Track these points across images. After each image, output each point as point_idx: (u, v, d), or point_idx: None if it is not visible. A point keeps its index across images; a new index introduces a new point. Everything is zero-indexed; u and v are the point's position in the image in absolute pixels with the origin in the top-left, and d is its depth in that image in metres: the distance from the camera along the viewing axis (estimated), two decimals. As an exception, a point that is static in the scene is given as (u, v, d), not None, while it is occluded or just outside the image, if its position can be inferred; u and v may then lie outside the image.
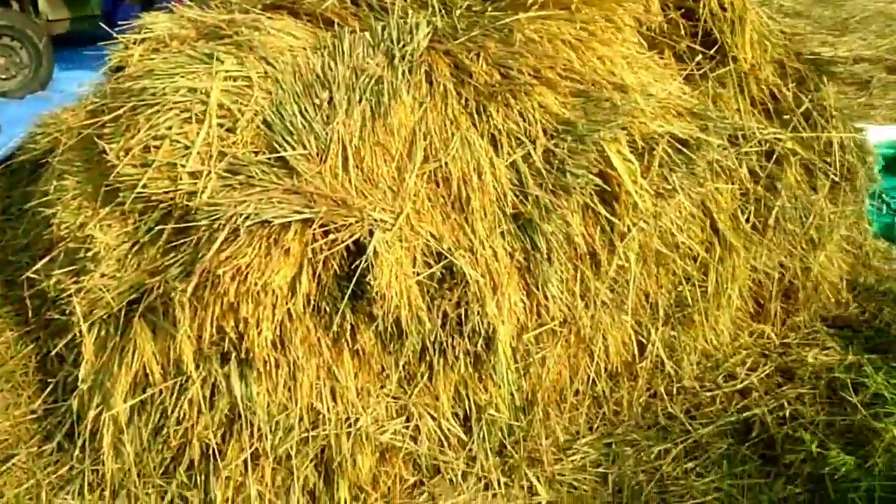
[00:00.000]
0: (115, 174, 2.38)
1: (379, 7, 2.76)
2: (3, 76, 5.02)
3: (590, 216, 2.37)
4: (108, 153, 2.42)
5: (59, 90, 5.05)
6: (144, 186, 2.36)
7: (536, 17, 2.45)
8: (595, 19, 2.51)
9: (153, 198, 2.37)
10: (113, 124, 2.47)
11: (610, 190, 2.35)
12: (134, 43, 2.97)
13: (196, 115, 2.35)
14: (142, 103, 2.38)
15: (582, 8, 2.50)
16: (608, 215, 2.36)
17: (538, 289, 2.37)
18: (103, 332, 2.50)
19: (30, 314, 2.95)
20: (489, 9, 2.75)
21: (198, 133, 2.34)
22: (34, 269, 2.71)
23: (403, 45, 2.42)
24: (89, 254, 2.52)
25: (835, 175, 2.87)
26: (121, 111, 2.43)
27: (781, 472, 2.42)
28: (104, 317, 2.47)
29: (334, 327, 2.21)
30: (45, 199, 2.78)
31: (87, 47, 5.47)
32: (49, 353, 2.81)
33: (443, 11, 2.65)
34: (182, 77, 2.36)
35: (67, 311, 2.53)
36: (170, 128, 2.35)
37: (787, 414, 2.63)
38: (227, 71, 2.37)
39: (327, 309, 2.23)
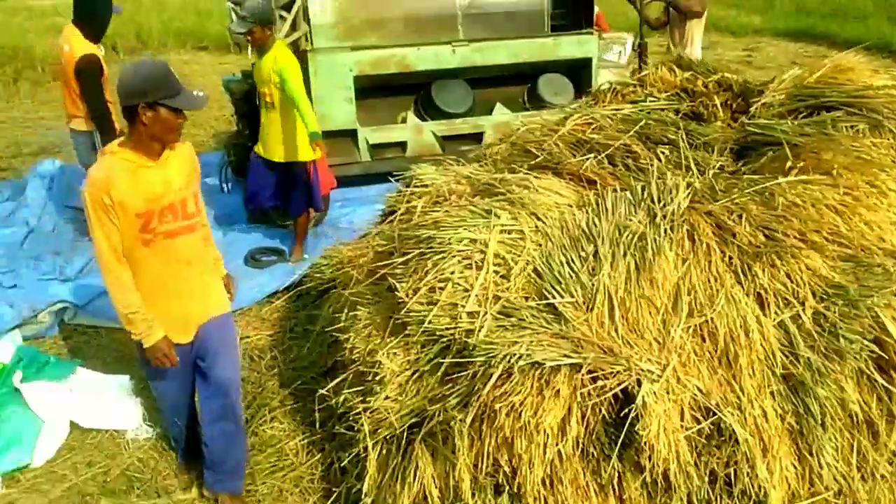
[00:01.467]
0: (406, 310, 2.61)
1: (636, 167, 2.90)
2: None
3: (865, 383, 2.23)
4: (399, 291, 2.69)
5: (333, 225, 5.69)
6: (429, 322, 2.58)
7: (797, 181, 2.44)
8: (858, 185, 2.44)
9: (437, 333, 2.58)
10: (403, 266, 2.74)
11: (887, 357, 2.21)
12: (412, 194, 3.35)
13: (476, 262, 2.56)
14: (430, 250, 2.63)
15: (843, 174, 2.46)
16: (885, 384, 2.20)
17: (811, 455, 2.24)
18: (385, 451, 2.70)
19: (317, 425, 3.24)
20: (743, 170, 2.78)
21: (477, 278, 2.54)
22: (327, 387, 2.98)
23: (664, 205, 2.50)
24: (377, 377, 2.76)
25: None
26: (410, 255, 2.70)
27: None
28: (388, 437, 2.68)
29: (602, 473, 2.22)
30: (337, 325, 3.10)
31: (352, 189, 6.19)
32: (333, 463, 3.05)
33: (698, 173, 2.73)
34: (465, 229, 2.60)
35: (356, 428, 2.77)
36: (453, 272, 2.57)
37: None
38: (503, 225, 2.58)
39: (595, 454, 2.26)
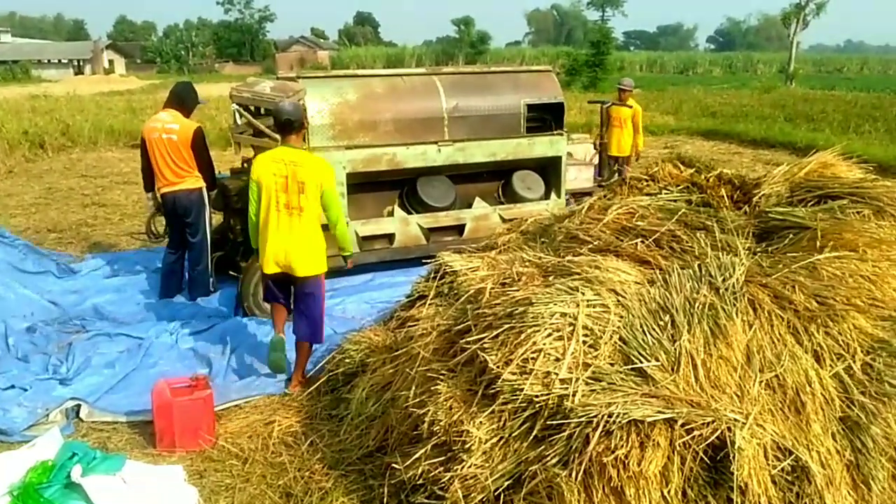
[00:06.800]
0: (502, 380, 2.96)
1: (680, 250, 3.42)
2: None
3: (907, 420, 2.74)
4: (490, 363, 3.04)
5: (328, 314, 5.94)
6: (525, 390, 2.93)
7: (833, 257, 3.02)
8: (880, 259, 3.04)
9: (530, 400, 2.94)
10: (491, 340, 3.10)
11: (926, 398, 2.74)
12: (465, 276, 3.74)
13: (566, 334, 2.96)
14: (521, 324, 3.02)
15: (868, 251, 3.05)
16: (926, 420, 2.72)
17: (864, 484, 2.71)
18: (479, 514, 2.97)
19: (385, 500, 3.45)
20: (769, 250, 3.34)
21: (567, 348, 2.93)
22: (408, 461, 3.24)
23: (724, 279, 3.01)
24: (465, 446, 3.06)
25: None
26: (500, 330, 3.07)
27: None
28: (482, 500, 2.96)
29: (701, 511, 2.60)
30: (412, 401, 3.39)
31: (341, 279, 6.51)
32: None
33: (732, 254, 3.28)
34: (555, 304, 3.01)
35: (440, 496, 3.03)
36: (545, 344, 2.96)
37: None
38: (588, 300, 3.01)
39: (692, 495, 2.64)
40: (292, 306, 4.83)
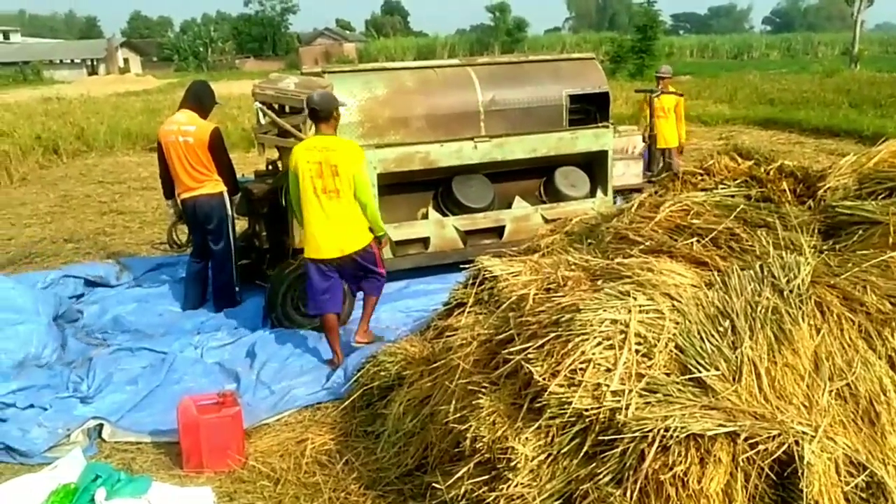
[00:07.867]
0: (548, 393, 2.98)
1: (739, 249, 3.41)
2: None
3: None
4: (536, 375, 3.06)
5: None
6: (573, 404, 2.95)
7: (910, 254, 2.99)
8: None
9: (580, 414, 2.95)
10: (536, 350, 3.12)
11: None
12: (507, 282, 3.77)
13: (617, 342, 2.97)
14: (569, 332, 3.03)
15: (945, 247, 3.02)
16: None
17: (947, 502, 2.66)
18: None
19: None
20: (837, 248, 3.31)
21: (619, 357, 2.94)
22: (450, 481, 3.27)
23: (788, 281, 3.00)
24: (510, 464, 3.09)
25: None
26: (546, 339, 3.09)
27: None
28: (531, 523, 2.98)
29: (768, 531, 2.59)
30: (454, 416, 3.42)
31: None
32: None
33: (796, 252, 3.26)
34: (604, 311, 3.02)
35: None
36: (594, 354, 2.98)
37: None
38: (640, 305, 3.02)
39: (758, 514, 2.63)
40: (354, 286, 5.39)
